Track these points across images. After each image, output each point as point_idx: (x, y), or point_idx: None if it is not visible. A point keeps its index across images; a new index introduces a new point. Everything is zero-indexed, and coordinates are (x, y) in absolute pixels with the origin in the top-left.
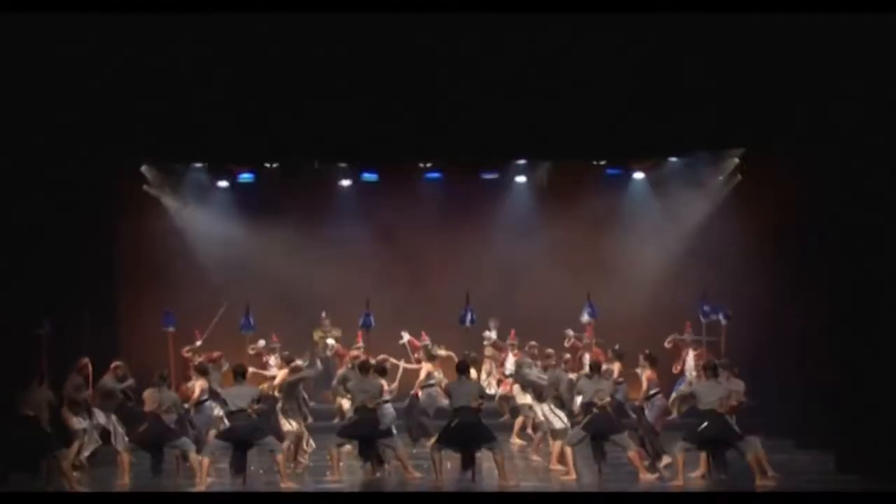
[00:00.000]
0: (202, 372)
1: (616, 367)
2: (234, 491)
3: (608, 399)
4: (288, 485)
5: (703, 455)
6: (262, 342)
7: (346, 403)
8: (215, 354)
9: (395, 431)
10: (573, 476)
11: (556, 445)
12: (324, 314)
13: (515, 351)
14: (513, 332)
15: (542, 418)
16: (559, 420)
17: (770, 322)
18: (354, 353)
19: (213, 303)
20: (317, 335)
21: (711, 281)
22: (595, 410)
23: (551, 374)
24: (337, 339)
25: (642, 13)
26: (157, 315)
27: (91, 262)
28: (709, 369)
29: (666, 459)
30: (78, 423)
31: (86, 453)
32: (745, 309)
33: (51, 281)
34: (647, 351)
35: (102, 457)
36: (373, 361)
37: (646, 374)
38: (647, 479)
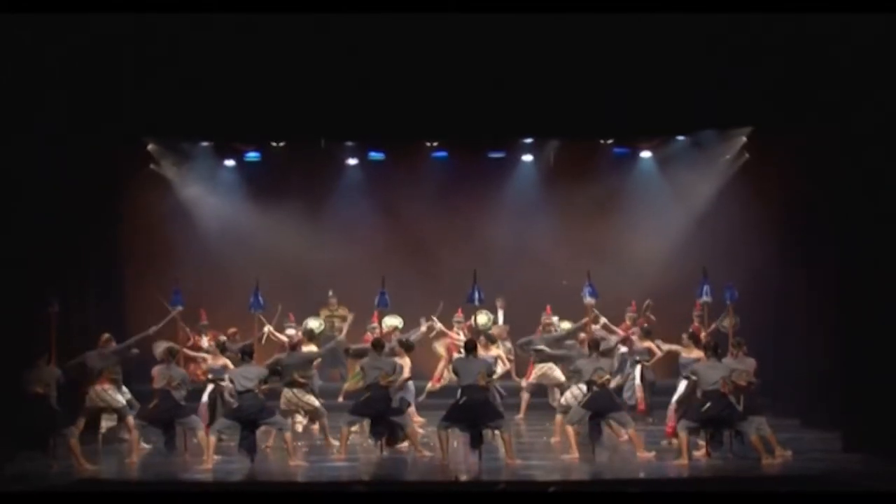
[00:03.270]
0: (222, 350)
1: (647, 345)
2: (238, 480)
3: (607, 377)
4: (297, 463)
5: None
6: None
7: None
8: (230, 331)
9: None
10: (576, 455)
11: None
12: (330, 293)
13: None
14: (548, 307)
15: (565, 398)
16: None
17: (776, 301)
18: (387, 330)
19: (219, 281)
20: (324, 314)
21: (712, 260)
22: (595, 388)
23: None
24: (343, 318)
25: None
26: (164, 293)
27: (97, 241)
28: (709, 349)
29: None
30: (119, 398)
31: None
32: (752, 287)
33: (56, 259)
34: (690, 330)
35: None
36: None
37: (692, 353)
38: (644, 457)
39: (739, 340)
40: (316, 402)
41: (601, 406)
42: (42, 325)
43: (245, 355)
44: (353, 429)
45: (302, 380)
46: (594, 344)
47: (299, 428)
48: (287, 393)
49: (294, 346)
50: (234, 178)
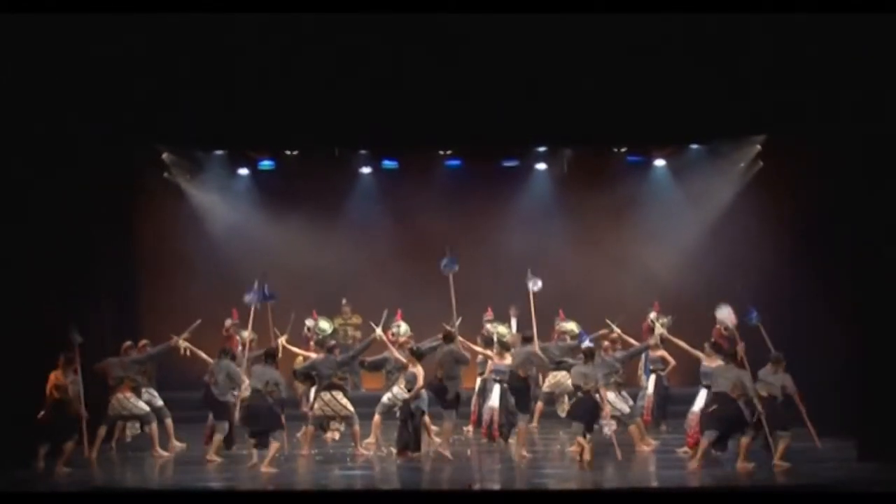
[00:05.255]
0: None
1: (660, 353)
2: (251, 488)
3: (592, 384)
4: (268, 470)
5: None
6: (228, 321)
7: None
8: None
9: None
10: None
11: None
12: (344, 301)
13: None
14: (561, 312)
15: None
16: (625, 405)
17: (791, 308)
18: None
19: (232, 288)
20: (337, 323)
21: (725, 267)
22: (579, 395)
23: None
24: (356, 327)
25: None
26: (178, 300)
27: (112, 249)
28: (725, 355)
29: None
30: (141, 405)
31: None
32: (768, 296)
33: (70, 267)
34: (712, 339)
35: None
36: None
37: (714, 362)
38: (642, 451)
39: (778, 356)
40: (351, 407)
41: (581, 413)
42: (60, 331)
43: (269, 357)
44: (370, 440)
45: (339, 381)
46: (589, 353)
47: (337, 436)
48: (325, 395)
49: (331, 349)
50: (247, 186)
